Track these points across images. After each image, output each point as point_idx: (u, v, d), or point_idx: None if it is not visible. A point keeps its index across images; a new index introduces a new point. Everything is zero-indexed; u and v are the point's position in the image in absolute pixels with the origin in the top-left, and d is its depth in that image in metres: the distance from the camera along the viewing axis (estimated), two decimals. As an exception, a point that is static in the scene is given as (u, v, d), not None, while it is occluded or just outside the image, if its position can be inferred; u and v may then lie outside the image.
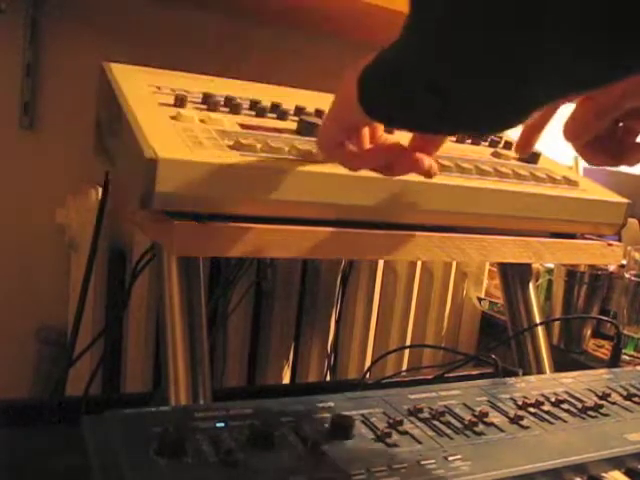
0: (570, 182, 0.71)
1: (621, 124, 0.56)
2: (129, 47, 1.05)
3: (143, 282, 0.95)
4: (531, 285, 0.81)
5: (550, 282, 1.16)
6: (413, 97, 0.39)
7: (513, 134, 0.86)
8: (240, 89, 0.73)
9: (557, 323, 1.12)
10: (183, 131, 0.55)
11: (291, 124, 0.64)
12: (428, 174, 0.49)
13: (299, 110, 0.68)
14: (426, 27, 0.35)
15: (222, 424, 0.42)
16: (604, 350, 1.11)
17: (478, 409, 0.50)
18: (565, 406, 0.54)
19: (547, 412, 0.52)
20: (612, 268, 1.12)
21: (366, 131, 0.50)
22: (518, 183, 0.66)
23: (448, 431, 0.47)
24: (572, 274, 1.09)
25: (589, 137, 0.55)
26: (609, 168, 1.48)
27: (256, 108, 0.66)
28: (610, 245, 0.73)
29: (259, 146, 0.55)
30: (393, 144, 0.50)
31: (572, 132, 0.53)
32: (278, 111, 0.67)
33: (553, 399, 0.55)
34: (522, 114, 0.37)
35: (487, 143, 0.79)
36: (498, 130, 0.40)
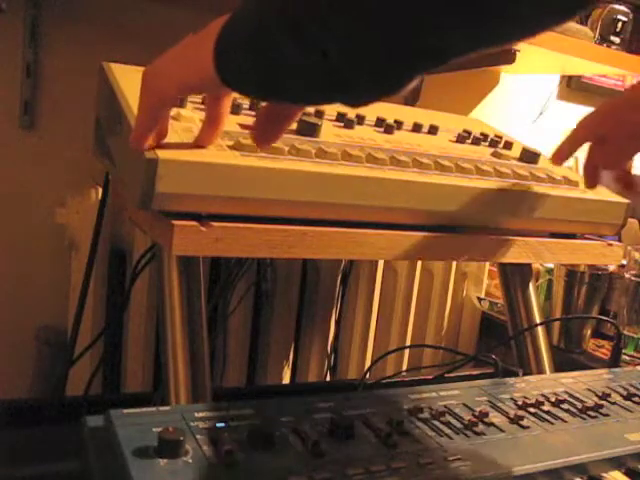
0: (570, 182, 0.71)
1: None
2: (129, 47, 1.05)
3: (143, 282, 0.95)
4: (531, 285, 0.80)
5: (550, 282, 1.16)
6: (285, 49, 0.33)
7: (517, 136, 0.86)
8: (240, 89, 0.73)
9: (557, 323, 1.12)
10: (183, 131, 0.55)
11: (291, 124, 0.64)
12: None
13: (299, 110, 0.68)
14: None
15: (222, 424, 0.42)
16: (604, 350, 1.11)
17: (478, 409, 0.50)
18: (565, 406, 0.54)
19: (547, 412, 0.52)
20: (612, 268, 1.12)
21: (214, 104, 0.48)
22: (518, 183, 0.66)
23: (448, 431, 0.47)
24: (572, 274, 1.09)
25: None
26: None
27: (256, 108, 0.66)
28: (610, 245, 0.73)
29: (259, 146, 0.55)
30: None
31: (587, 179, 0.55)
32: (278, 111, 0.66)
33: (553, 399, 0.55)
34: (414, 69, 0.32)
35: (487, 143, 0.79)
36: (382, 93, 0.34)
